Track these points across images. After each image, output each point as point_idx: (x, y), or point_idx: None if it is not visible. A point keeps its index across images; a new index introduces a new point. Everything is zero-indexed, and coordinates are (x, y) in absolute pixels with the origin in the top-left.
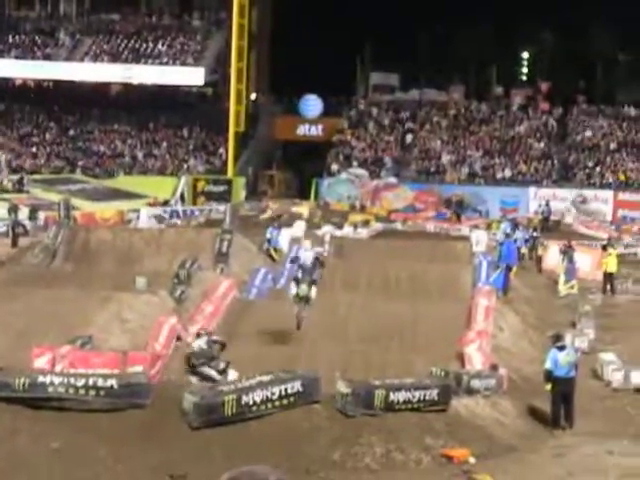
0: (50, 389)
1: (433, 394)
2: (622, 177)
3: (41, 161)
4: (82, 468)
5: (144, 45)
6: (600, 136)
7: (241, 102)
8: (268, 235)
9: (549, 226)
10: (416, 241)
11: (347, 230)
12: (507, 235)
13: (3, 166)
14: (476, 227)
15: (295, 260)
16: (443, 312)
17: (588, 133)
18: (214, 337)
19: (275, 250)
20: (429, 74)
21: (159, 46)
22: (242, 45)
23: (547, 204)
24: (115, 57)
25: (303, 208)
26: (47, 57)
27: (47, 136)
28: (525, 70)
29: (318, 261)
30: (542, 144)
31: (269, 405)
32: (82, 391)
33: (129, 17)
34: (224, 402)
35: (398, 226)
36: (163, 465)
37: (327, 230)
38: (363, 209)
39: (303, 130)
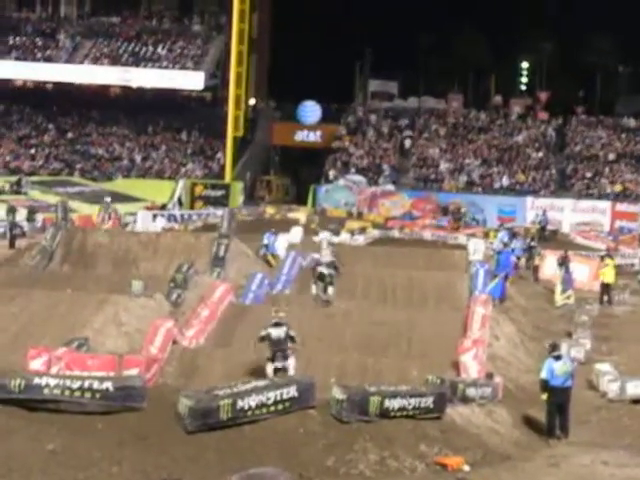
0: (46, 391)
1: (428, 402)
2: (620, 188)
3: (39, 163)
4: (77, 470)
5: (144, 48)
6: (599, 147)
7: (240, 107)
8: (265, 241)
9: (546, 236)
10: (413, 249)
11: (344, 237)
12: (504, 244)
13: None
14: (473, 236)
15: (317, 263)
16: (439, 320)
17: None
18: (291, 332)
19: (272, 256)
20: (428, 82)
21: (159, 50)
22: (242, 50)
23: (544, 214)
24: (115, 60)
25: (300, 214)
26: (47, 59)
27: (46, 138)
28: (524, 80)
29: (334, 265)
30: (540, 154)
31: (264, 410)
32: (78, 393)
33: (129, 20)
34: (219, 406)
35: (395, 233)
36: (158, 469)
37: (324, 237)
38: (360, 216)
39: (301, 136)
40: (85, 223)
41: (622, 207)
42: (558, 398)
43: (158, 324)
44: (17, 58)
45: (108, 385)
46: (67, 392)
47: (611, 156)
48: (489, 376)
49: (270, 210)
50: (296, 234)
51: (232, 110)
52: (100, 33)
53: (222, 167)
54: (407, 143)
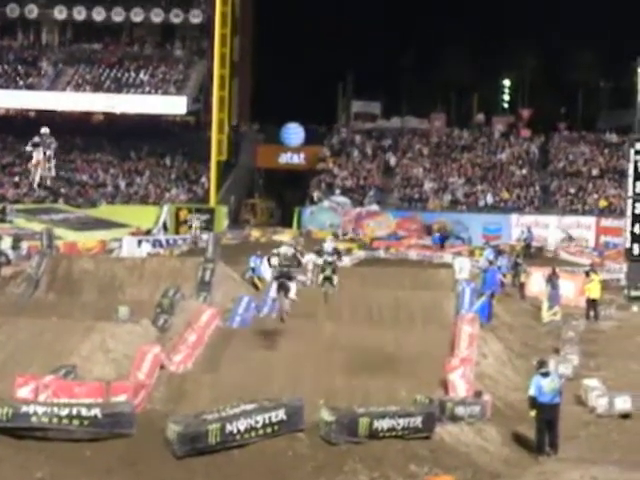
0: (34, 419)
1: (417, 421)
2: (604, 203)
3: (23, 191)
4: None
5: (126, 74)
6: (582, 162)
7: (223, 131)
8: (252, 264)
9: (531, 253)
10: (399, 269)
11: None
12: (490, 262)
13: None
14: (459, 254)
15: (319, 252)
16: (427, 339)
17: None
18: (298, 255)
19: (259, 279)
20: (410, 102)
21: (141, 75)
22: (224, 74)
23: (529, 231)
24: (97, 86)
25: (285, 236)
26: (29, 86)
27: (29, 166)
28: (506, 97)
29: (336, 251)
30: (524, 171)
31: (253, 434)
32: (66, 421)
33: (111, 47)
34: (208, 431)
35: (381, 254)
36: None
37: (309, 258)
38: (341, 236)
39: (285, 158)
40: (70, 250)
41: (607, 222)
42: (547, 415)
43: (145, 350)
44: None
45: (96, 412)
46: (55, 420)
47: (594, 172)
48: (477, 394)
49: (255, 233)
50: None
51: (215, 134)
52: (82, 60)
53: (206, 191)
54: (391, 165)
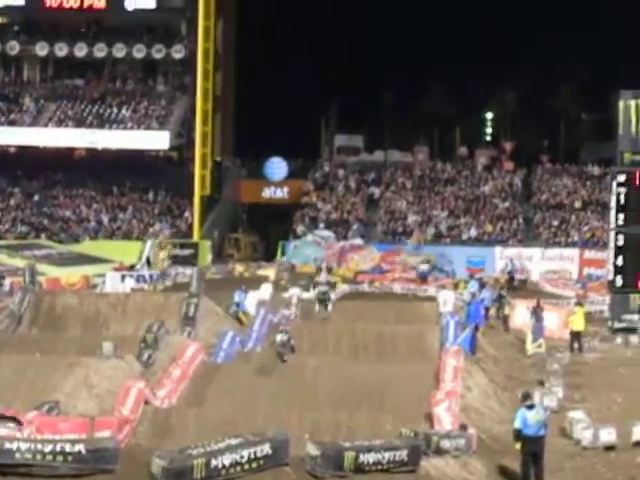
0: (17, 455)
1: (403, 455)
2: (587, 235)
3: (5, 227)
4: None
5: (108, 110)
6: (564, 195)
7: (206, 166)
8: (237, 298)
9: (515, 285)
10: (383, 302)
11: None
12: (474, 295)
13: None
14: (443, 287)
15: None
16: (411, 373)
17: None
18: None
19: (243, 313)
20: (394, 135)
21: (123, 111)
22: (207, 109)
23: (513, 263)
24: (79, 122)
25: (269, 271)
26: (11, 123)
27: (12, 202)
28: (489, 130)
29: (330, 284)
30: (507, 203)
31: (238, 468)
32: (50, 457)
33: (93, 82)
34: (193, 466)
35: (365, 287)
36: None
37: (294, 293)
38: (330, 271)
39: (269, 193)
40: (53, 286)
41: (590, 254)
42: (532, 447)
43: (129, 385)
44: None
45: (80, 448)
46: (39, 456)
47: (577, 204)
48: (463, 427)
49: (239, 268)
50: (266, 291)
51: (198, 169)
52: (64, 96)
53: (190, 226)
54: (375, 197)
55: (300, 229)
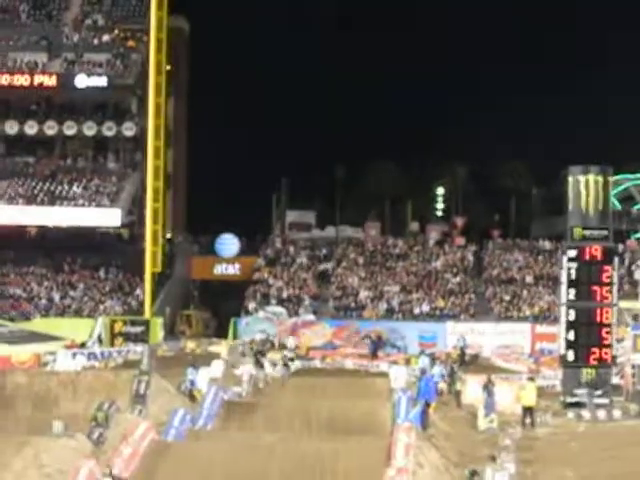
0: None
1: None
2: (538, 310)
3: None
4: None
5: (59, 187)
6: (516, 270)
7: (157, 243)
8: (189, 376)
9: (467, 360)
10: (335, 378)
11: (266, 368)
12: (423, 371)
13: None
14: (395, 363)
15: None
16: (363, 450)
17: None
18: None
19: (197, 391)
20: (345, 211)
21: (74, 188)
22: (158, 186)
23: (464, 338)
24: (30, 200)
25: (221, 348)
26: None
27: None
28: (441, 205)
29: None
30: (459, 278)
31: None
32: None
33: (44, 160)
34: None
35: (317, 363)
36: None
37: (245, 369)
38: (282, 347)
39: (220, 269)
40: (4, 364)
41: (542, 329)
42: None
43: (80, 464)
44: None
45: None
46: None
47: (528, 279)
48: None
49: (191, 344)
50: (217, 368)
51: (150, 246)
52: (15, 173)
53: (141, 303)
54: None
55: (252, 305)
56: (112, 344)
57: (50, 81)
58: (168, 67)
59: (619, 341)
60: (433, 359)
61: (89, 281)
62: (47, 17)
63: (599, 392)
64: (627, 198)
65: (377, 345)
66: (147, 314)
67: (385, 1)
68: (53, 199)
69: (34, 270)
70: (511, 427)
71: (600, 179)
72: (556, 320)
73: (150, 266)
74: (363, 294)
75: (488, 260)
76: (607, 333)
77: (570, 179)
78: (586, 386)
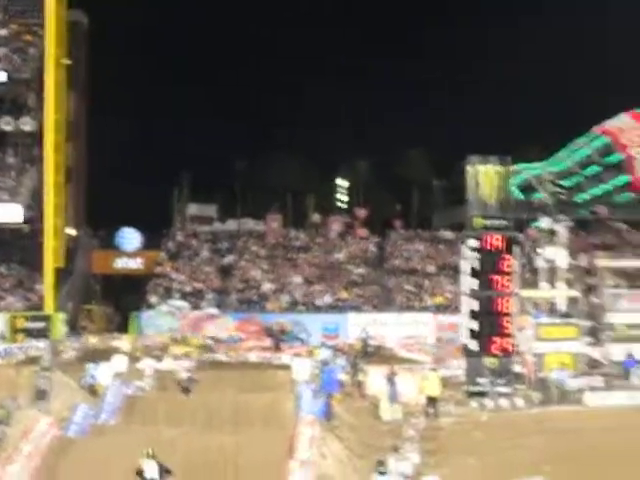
0: None
1: None
2: (440, 300)
3: None
4: None
5: None
6: (418, 260)
7: (58, 237)
8: (91, 371)
9: (369, 351)
10: (238, 371)
11: (168, 362)
12: (325, 362)
13: None
14: (298, 355)
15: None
16: (267, 442)
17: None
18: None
19: (98, 386)
20: (246, 204)
21: None
22: (58, 180)
23: (366, 330)
24: None
25: (123, 342)
26: None
27: None
28: (342, 197)
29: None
30: (361, 269)
31: None
32: None
33: None
34: None
35: (220, 357)
36: None
37: (148, 364)
38: (184, 341)
39: (121, 263)
40: None
41: (444, 319)
42: None
43: None
44: None
45: None
46: None
47: (430, 269)
48: None
49: (93, 340)
50: (119, 362)
51: (50, 241)
52: None
53: (42, 299)
54: (228, 267)
55: (154, 299)
56: (14, 340)
57: None
58: (67, 61)
59: (520, 330)
60: (335, 351)
61: None
62: None
63: (502, 381)
64: (528, 187)
65: (280, 338)
66: (48, 309)
67: None
68: None
69: None
70: (415, 417)
71: (499, 169)
72: (456, 309)
73: (51, 261)
74: (266, 287)
75: (390, 251)
76: (508, 322)
77: (469, 169)
78: (489, 375)
